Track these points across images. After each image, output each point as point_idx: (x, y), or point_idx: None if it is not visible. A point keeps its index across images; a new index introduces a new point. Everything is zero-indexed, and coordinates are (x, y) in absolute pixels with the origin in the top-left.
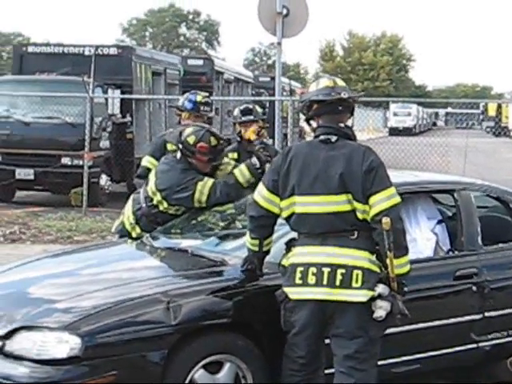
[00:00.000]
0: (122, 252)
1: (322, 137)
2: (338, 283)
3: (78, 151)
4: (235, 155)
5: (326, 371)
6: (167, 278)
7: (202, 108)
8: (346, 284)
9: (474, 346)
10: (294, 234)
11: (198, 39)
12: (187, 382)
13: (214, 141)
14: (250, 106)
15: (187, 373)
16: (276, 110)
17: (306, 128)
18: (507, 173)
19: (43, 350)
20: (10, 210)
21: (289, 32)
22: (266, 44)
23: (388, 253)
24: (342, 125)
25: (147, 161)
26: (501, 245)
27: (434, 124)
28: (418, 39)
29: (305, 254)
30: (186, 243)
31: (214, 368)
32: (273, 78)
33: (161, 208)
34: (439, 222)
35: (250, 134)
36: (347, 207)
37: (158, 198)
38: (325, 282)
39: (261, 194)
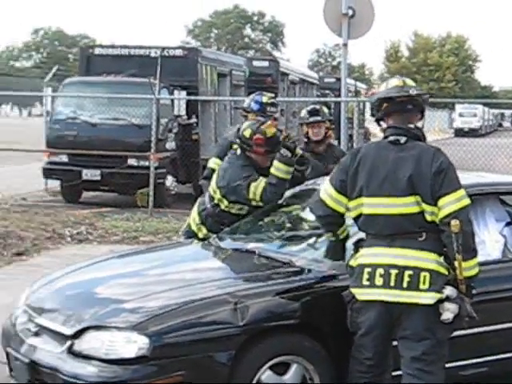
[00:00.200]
0: (189, 253)
1: (391, 137)
2: (405, 285)
3: (144, 152)
4: None
5: (394, 373)
6: (234, 279)
7: (268, 109)
8: (414, 286)
9: None
10: (361, 235)
11: (263, 40)
12: (254, 382)
13: (269, 132)
14: (318, 107)
15: (254, 374)
16: (342, 111)
17: (372, 129)
18: None
19: (111, 349)
20: (76, 211)
21: (355, 33)
22: (331, 45)
23: (456, 255)
24: (411, 125)
25: (213, 162)
26: None
27: (500, 125)
28: (484, 39)
29: (372, 254)
30: (252, 244)
31: (281, 369)
32: (338, 79)
33: (222, 206)
34: (507, 223)
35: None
36: (416, 209)
37: (218, 196)
38: (392, 284)
39: (328, 193)
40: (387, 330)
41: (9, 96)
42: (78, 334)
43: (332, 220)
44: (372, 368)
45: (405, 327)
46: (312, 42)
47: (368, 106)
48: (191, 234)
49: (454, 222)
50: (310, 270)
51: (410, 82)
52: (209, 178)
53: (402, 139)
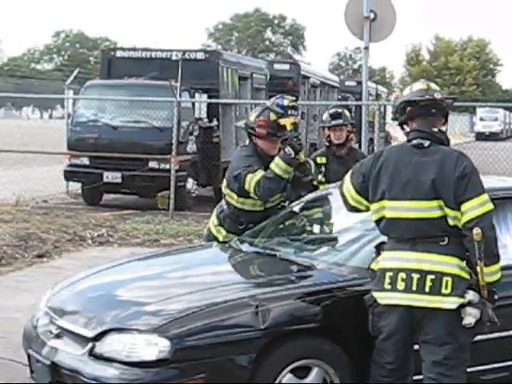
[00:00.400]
0: (209, 255)
1: (414, 141)
2: (427, 289)
3: (165, 155)
4: (324, 160)
5: (415, 377)
6: (255, 282)
7: (289, 112)
8: (436, 290)
9: None
10: (383, 238)
11: (284, 43)
12: None
13: (273, 116)
14: (340, 110)
15: (275, 377)
16: (363, 115)
17: (393, 133)
18: None
19: (133, 352)
20: (97, 213)
21: (376, 36)
22: (352, 48)
23: (478, 262)
24: (435, 129)
25: None
26: None
27: None
28: (505, 43)
29: (394, 258)
30: (273, 247)
31: (301, 373)
32: (359, 83)
33: (232, 202)
34: None
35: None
36: (438, 213)
37: (227, 190)
38: (414, 288)
39: (349, 192)
40: (409, 334)
41: (30, 98)
42: (99, 337)
43: (356, 211)
44: (393, 372)
45: (427, 331)
46: (333, 45)
47: (389, 109)
48: (211, 238)
49: (476, 231)
50: (330, 274)
51: (434, 85)
52: None
53: (426, 143)
